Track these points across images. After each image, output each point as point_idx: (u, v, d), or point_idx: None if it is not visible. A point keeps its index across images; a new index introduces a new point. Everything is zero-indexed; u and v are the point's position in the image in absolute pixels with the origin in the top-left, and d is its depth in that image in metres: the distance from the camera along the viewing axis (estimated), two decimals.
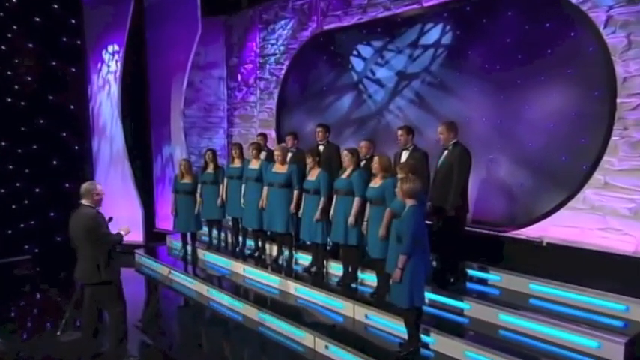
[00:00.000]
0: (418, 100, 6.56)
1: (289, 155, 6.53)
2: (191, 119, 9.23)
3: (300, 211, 5.91)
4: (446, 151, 5.05)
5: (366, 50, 7.02)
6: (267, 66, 8.57)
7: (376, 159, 5.12)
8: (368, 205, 5.21)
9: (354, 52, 7.15)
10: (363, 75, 7.13)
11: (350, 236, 5.40)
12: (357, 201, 5.29)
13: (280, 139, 8.21)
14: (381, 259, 4.99)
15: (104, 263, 4.05)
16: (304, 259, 6.38)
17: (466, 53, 5.97)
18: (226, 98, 9.28)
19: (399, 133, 5.48)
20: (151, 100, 9.03)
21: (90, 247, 4.01)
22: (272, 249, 6.78)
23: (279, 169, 6.25)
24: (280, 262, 6.46)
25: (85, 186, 4.13)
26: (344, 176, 5.51)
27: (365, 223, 5.25)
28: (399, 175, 4.64)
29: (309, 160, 5.84)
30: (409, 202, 4.23)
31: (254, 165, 6.55)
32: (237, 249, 7.02)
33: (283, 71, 8.20)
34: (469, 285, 5.15)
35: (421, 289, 4.25)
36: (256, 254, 6.78)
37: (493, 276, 5.17)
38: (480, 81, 5.97)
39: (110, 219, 4.64)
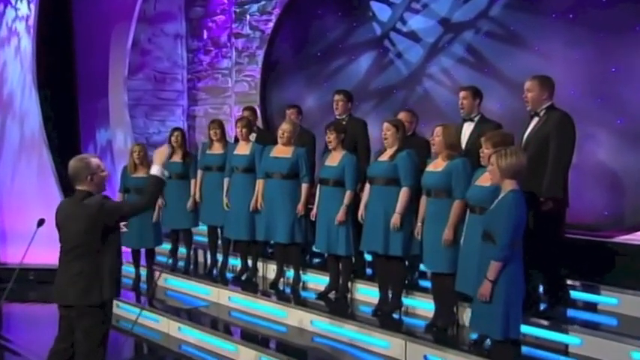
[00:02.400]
0: (472, 59, 6.46)
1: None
2: (135, 93, 9.05)
3: (313, 211, 5.68)
4: (536, 119, 4.71)
5: None
6: (248, 17, 8.48)
7: (438, 130, 4.81)
8: (424, 198, 4.94)
9: None
10: (390, 26, 7.09)
11: (393, 244, 5.07)
12: (404, 192, 5.02)
13: (268, 120, 7.87)
14: (447, 274, 4.72)
15: (110, 277, 3.77)
16: (317, 281, 6.09)
17: None
18: (186, 64, 9.26)
19: (462, 95, 5.18)
20: (80, 62, 8.86)
21: (94, 252, 3.73)
22: (267, 269, 6.53)
23: (281, 152, 5.90)
24: (281, 287, 6.17)
25: (72, 163, 3.80)
26: (384, 158, 5.19)
27: (419, 224, 4.97)
28: (485, 150, 4.32)
29: (331, 138, 5.51)
30: (508, 186, 3.91)
31: (243, 149, 6.22)
32: (216, 271, 6.72)
33: (271, 24, 8.14)
34: (571, 312, 4.85)
35: (519, 312, 3.94)
36: (244, 277, 6.43)
37: (606, 299, 4.90)
38: (567, 26, 5.80)
39: (41, 221, 4.38)
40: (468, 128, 5.18)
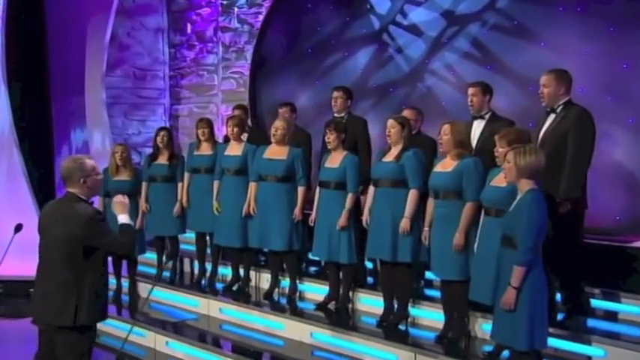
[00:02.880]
0: (478, 54, 6.45)
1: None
2: (113, 91, 8.95)
3: (312, 216, 5.62)
4: (552, 115, 4.66)
5: None
6: (236, 10, 8.42)
7: (446, 128, 4.75)
8: (431, 201, 4.89)
9: None
10: (389, 19, 7.10)
11: (401, 250, 5.01)
12: (413, 194, 4.98)
13: (258, 119, 7.80)
14: (458, 281, 4.67)
15: (90, 297, 3.65)
16: (315, 291, 6.02)
17: None
18: (168, 60, 9.20)
19: (471, 92, 5.13)
20: (53, 58, 8.78)
21: (74, 266, 3.62)
22: (260, 279, 6.43)
23: (276, 153, 5.82)
24: (276, 297, 6.08)
25: (66, 164, 3.75)
26: (389, 158, 5.13)
27: (426, 228, 4.91)
28: (500, 148, 4.26)
29: (331, 138, 5.44)
30: (526, 185, 3.84)
31: (234, 150, 6.14)
32: (204, 281, 6.61)
33: (261, 17, 8.12)
34: (591, 321, 4.79)
35: (545, 320, 3.86)
36: (235, 288, 6.33)
37: (628, 307, 4.86)
38: (578, 19, 5.81)
39: (19, 227, 4.37)
40: (478, 126, 5.12)
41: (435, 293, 5.55)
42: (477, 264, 4.47)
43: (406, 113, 5.59)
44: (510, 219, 3.87)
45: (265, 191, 5.82)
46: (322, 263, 6.44)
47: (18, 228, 4.36)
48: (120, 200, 3.82)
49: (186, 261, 7.13)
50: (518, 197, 3.86)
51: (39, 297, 3.73)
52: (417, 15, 6.83)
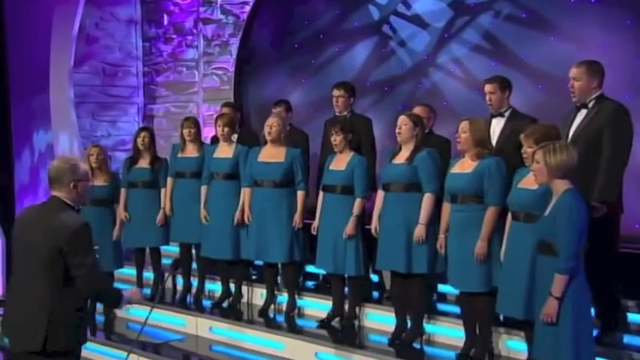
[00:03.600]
0: (490, 47, 6.46)
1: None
2: (80, 89, 8.77)
3: (315, 224, 5.59)
4: (583, 111, 4.63)
5: None
6: (219, 0, 8.34)
7: (465, 125, 4.71)
8: (447, 205, 4.85)
9: None
10: (391, 10, 7.12)
11: (417, 260, 4.99)
12: (428, 199, 4.98)
13: (244, 120, 7.87)
14: (480, 293, 4.62)
15: (67, 318, 3.51)
16: (315, 306, 6.00)
17: None
18: (142, 55, 9.11)
19: (488, 89, 5.10)
20: (12, 52, 8.55)
21: (53, 282, 3.48)
22: (253, 294, 6.36)
23: (273, 155, 5.76)
24: (271, 314, 6.02)
25: (56, 164, 3.65)
26: (400, 160, 5.10)
27: (442, 236, 4.86)
28: (527, 148, 4.20)
29: (337, 139, 5.40)
30: (561, 186, 3.79)
31: (225, 152, 6.08)
32: (190, 298, 6.51)
33: (247, 8, 8.09)
34: (627, 337, 4.73)
35: (591, 333, 3.85)
36: (225, 304, 6.26)
37: None
38: (602, 8, 5.85)
39: None
40: (497, 125, 5.08)
41: (450, 308, 5.53)
42: (505, 274, 4.40)
43: (417, 110, 5.56)
44: (548, 223, 3.81)
45: (261, 198, 5.74)
46: (320, 277, 6.40)
47: None
48: (136, 295, 3.81)
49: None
50: (555, 200, 3.80)
51: (8, 316, 3.60)
52: (422, 4, 6.85)
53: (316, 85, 7.30)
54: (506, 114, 5.08)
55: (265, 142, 5.91)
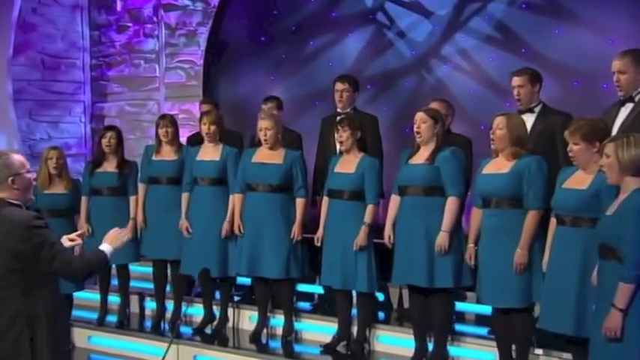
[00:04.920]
0: (501, 37, 6.58)
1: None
2: (16, 84, 8.64)
3: (319, 234, 5.61)
4: (629, 105, 4.73)
5: None
6: None
7: (500, 121, 4.77)
8: (477, 211, 4.90)
9: None
10: None
11: (440, 273, 5.03)
12: (452, 203, 5.02)
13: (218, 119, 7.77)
14: (518, 309, 4.65)
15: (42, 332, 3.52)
16: (314, 329, 6.03)
17: None
18: (89, 46, 9.05)
19: (516, 82, 5.20)
20: None
21: (17, 290, 3.53)
22: (241, 317, 6.33)
23: (270, 156, 5.77)
24: (264, 340, 5.98)
25: None
26: (419, 160, 5.16)
27: (472, 245, 4.92)
28: (574, 146, 4.27)
29: (344, 136, 5.43)
30: (632, 184, 3.82)
31: (211, 154, 6.07)
32: (164, 325, 6.45)
33: None
34: None
35: None
36: (209, 329, 6.22)
37: None
38: None
39: None
40: (527, 121, 5.12)
41: (469, 328, 5.58)
42: (550, 285, 4.44)
43: (435, 106, 5.62)
44: (612, 225, 3.83)
45: (255, 203, 5.74)
46: (316, 297, 6.41)
47: None
48: (119, 236, 3.84)
49: (134, 298, 6.86)
50: (622, 198, 3.84)
51: None
52: None
53: (301, 81, 7.34)
54: (537, 109, 5.19)
55: (254, 144, 5.92)
